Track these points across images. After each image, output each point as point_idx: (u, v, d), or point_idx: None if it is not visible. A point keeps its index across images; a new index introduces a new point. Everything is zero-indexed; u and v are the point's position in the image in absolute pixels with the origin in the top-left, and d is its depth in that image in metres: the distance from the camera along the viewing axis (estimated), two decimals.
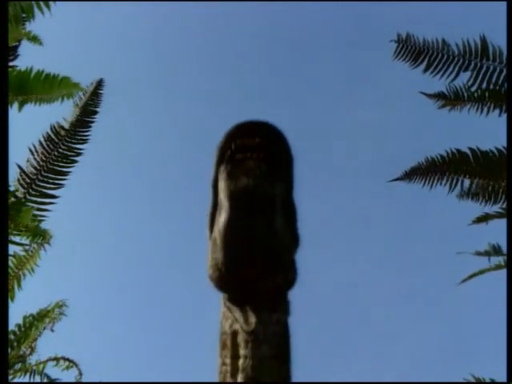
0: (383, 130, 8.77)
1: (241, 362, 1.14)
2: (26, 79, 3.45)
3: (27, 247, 3.78)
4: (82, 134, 3.84)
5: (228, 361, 1.16)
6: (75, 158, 3.84)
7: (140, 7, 7.85)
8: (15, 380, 4.40)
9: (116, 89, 4.10)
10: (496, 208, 3.88)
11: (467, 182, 3.88)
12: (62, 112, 3.78)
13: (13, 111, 3.55)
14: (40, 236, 3.69)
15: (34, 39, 3.37)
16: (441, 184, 3.93)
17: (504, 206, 3.77)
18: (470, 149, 3.73)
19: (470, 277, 4.28)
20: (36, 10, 3.48)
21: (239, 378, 1.13)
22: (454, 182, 3.89)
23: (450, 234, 6.20)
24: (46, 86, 3.46)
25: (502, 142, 3.56)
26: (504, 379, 2.98)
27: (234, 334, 1.17)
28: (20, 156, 3.77)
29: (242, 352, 1.14)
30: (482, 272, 4.24)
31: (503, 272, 4.07)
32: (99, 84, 3.81)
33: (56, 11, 3.30)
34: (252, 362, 1.13)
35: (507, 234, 3.51)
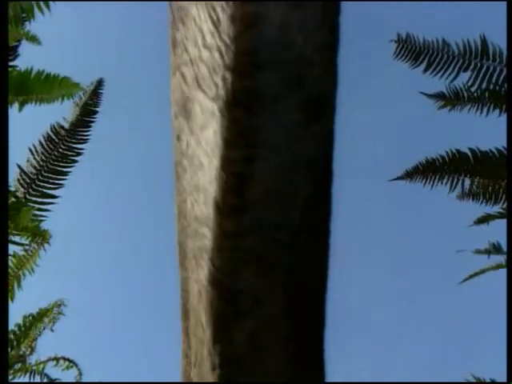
0: (382, 130, 8.77)
1: None
2: (26, 79, 3.45)
3: (27, 247, 3.79)
4: (82, 133, 3.87)
5: None
6: (75, 158, 3.88)
7: (141, 6, 7.85)
8: (15, 380, 4.41)
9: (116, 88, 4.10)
10: (496, 208, 3.88)
11: (468, 182, 3.88)
12: (62, 112, 3.79)
13: (13, 111, 3.56)
14: (39, 236, 3.71)
15: (33, 39, 3.37)
16: (441, 183, 3.93)
17: (504, 206, 3.77)
18: (470, 149, 3.73)
19: (471, 276, 4.28)
20: (36, 9, 3.51)
21: None
22: (455, 181, 3.89)
23: (450, 233, 6.21)
24: (46, 86, 3.47)
25: (502, 141, 3.57)
26: (504, 379, 2.98)
27: None
28: (20, 156, 3.80)
29: None
30: (482, 271, 4.24)
31: (503, 271, 4.07)
32: (99, 84, 3.82)
33: (55, 11, 3.30)
34: None
35: (507, 234, 3.51)
